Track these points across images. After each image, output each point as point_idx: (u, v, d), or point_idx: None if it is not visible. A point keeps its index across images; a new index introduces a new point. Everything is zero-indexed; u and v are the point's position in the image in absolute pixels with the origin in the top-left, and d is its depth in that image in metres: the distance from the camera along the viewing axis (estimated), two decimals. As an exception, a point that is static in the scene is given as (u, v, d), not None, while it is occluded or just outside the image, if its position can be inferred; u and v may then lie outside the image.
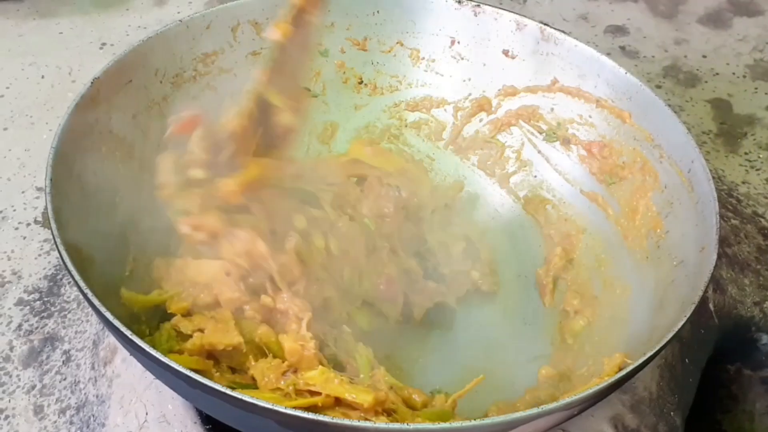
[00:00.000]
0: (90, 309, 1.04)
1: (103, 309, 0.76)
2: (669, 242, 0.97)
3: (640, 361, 0.76)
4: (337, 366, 0.90)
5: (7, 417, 1.02)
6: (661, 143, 1.02)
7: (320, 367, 0.84)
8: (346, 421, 0.68)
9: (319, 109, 1.21)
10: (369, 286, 1.04)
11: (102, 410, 0.99)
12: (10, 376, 1.06)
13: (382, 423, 0.67)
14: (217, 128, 0.93)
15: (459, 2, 1.16)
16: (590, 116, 1.11)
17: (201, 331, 0.88)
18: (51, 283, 1.16)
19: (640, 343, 0.89)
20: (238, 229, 0.91)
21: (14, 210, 1.26)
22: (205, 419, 0.95)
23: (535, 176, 1.18)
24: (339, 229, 1.05)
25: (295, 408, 0.68)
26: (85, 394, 1.03)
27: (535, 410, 0.71)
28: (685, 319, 0.79)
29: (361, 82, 1.21)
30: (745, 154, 1.45)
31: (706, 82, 1.61)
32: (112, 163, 0.98)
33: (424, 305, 1.06)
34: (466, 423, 0.69)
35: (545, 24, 1.12)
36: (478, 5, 1.15)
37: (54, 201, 0.84)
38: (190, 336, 0.87)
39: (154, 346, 0.73)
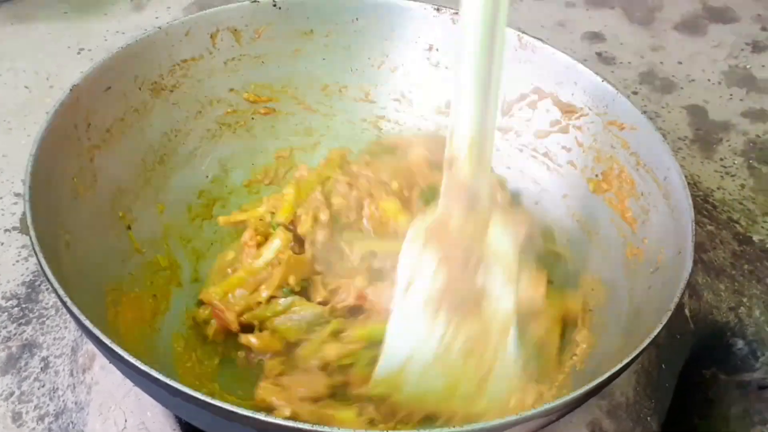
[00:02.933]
0: (68, 316, 1.04)
1: (82, 316, 0.76)
2: (645, 249, 0.98)
3: (618, 367, 0.77)
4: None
5: (-16, 424, 1.01)
6: (638, 151, 1.02)
7: None
8: (326, 428, 0.68)
9: (299, 117, 1.21)
10: None
11: (81, 417, 0.99)
12: (-12, 384, 1.05)
13: (362, 431, 0.67)
14: None
15: (438, 10, 1.16)
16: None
17: None
18: (29, 290, 1.15)
19: (616, 349, 0.90)
20: None
21: (-8, 216, 1.25)
22: (185, 427, 0.96)
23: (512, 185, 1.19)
24: None
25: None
26: (63, 401, 1.03)
27: (512, 417, 0.71)
28: (661, 326, 0.80)
29: (340, 90, 1.22)
30: (721, 160, 1.46)
31: (682, 88, 1.62)
32: (90, 169, 0.98)
33: None
34: (446, 430, 0.70)
35: (522, 31, 1.13)
36: (457, 13, 1.16)
37: (33, 208, 0.84)
38: None
39: None
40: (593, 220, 1.08)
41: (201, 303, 1.06)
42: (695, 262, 0.86)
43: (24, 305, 1.13)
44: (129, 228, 1.04)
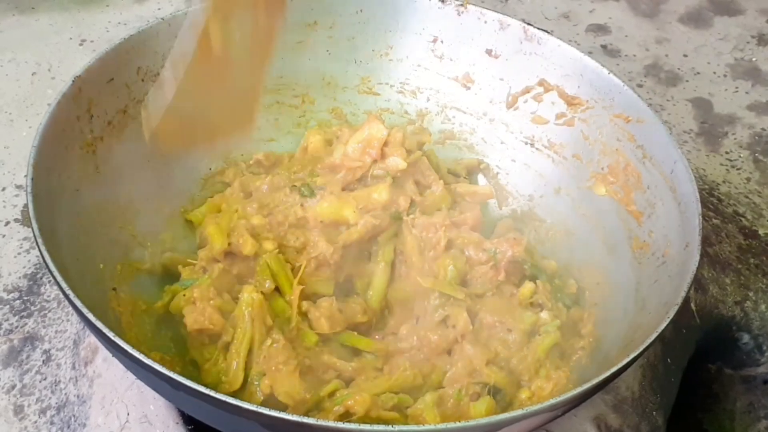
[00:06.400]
0: (70, 308, 1.04)
1: (84, 309, 0.75)
2: (652, 243, 0.97)
3: (624, 362, 0.76)
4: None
5: (-14, 417, 1.01)
6: (644, 144, 1.02)
7: None
8: (331, 423, 0.68)
9: (302, 110, 1.21)
10: None
11: (83, 410, 0.99)
12: (-10, 376, 1.05)
13: (366, 425, 0.67)
14: None
15: (442, 1, 1.15)
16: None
17: None
18: (31, 282, 1.15)
19: (623, 343, 0.90)
20: None
21: (-7, 208, 1.25)
22: (187, 419, 0.95)
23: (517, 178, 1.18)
24: None
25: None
26: (65, 394, 1.02)
27: (519, 412, 0.71)
28: (668, 320, 0.79)
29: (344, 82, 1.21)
30: (726, 153, 1.45)
31: (687, 81, 1.62)
32: (93, 161, 0.97)
33: None
34: (451, 425, 0.69)
35: (528, 23, 1.12)
36: (462, 4, 1.15)
37: (35, 200, 0.83)
38: None
39: None
40: (599, 214, 1.08)
41: None
42: (701, 256, 0.86)
43: (26, 298, 1.13)
44: (131, 220, 1.03)
